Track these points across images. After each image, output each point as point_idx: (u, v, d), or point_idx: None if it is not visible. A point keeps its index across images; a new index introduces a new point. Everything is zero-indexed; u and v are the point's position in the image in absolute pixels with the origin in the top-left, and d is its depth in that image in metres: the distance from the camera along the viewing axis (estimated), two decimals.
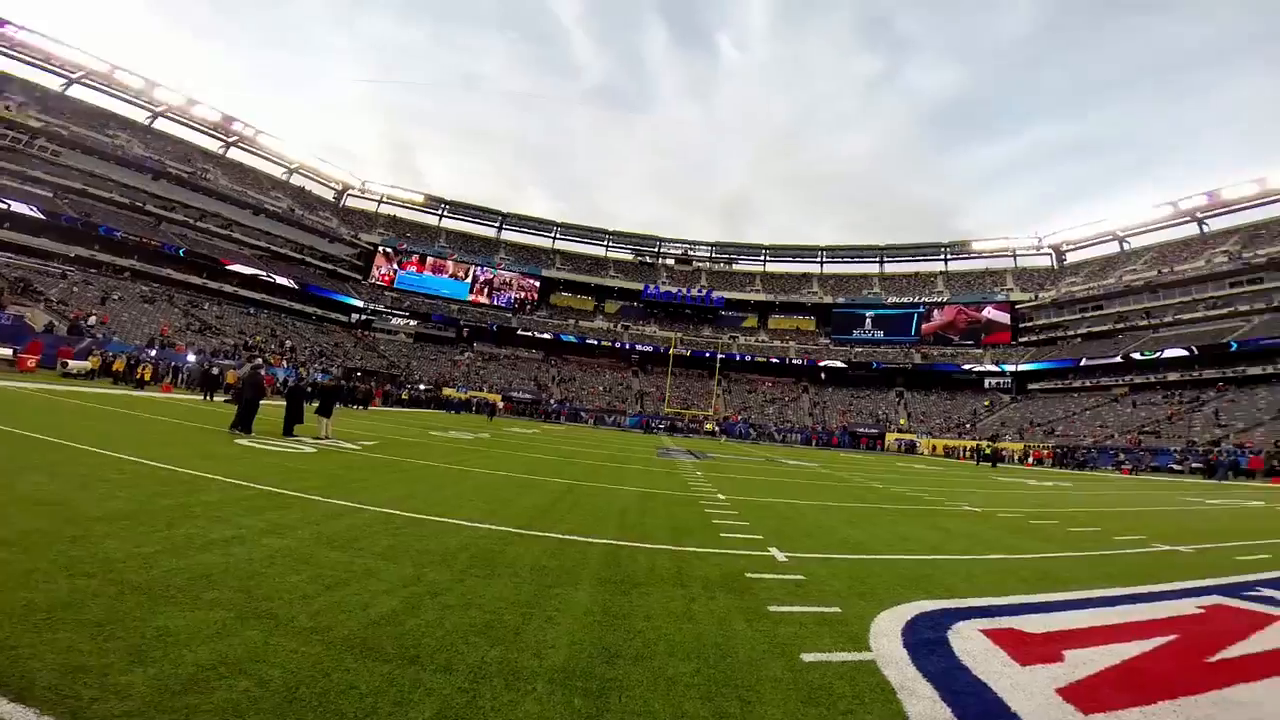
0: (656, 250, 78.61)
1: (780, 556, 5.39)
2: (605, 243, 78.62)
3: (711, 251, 78.67)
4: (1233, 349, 45.17)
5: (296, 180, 67.90)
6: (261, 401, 12.69)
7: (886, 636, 3.42)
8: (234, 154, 62.30)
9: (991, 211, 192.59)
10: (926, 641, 3.35)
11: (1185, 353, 48.01)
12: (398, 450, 12.24)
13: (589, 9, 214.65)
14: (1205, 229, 55.71)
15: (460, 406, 44.57)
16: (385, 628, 3.05)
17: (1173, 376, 48.30)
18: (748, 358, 67.68)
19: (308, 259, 62.50)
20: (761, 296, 73.76)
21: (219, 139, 61.25)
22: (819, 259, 76.53)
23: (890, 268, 74.43)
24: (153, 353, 31.15)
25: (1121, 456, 35.18)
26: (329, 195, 71.63)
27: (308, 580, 3.67)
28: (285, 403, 13.00)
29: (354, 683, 2.44)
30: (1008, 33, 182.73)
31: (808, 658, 3.07)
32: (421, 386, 52.18)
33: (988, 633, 3.54)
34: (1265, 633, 3.59)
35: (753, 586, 4.36)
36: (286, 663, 2.55)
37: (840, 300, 71.58)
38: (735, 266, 78.39)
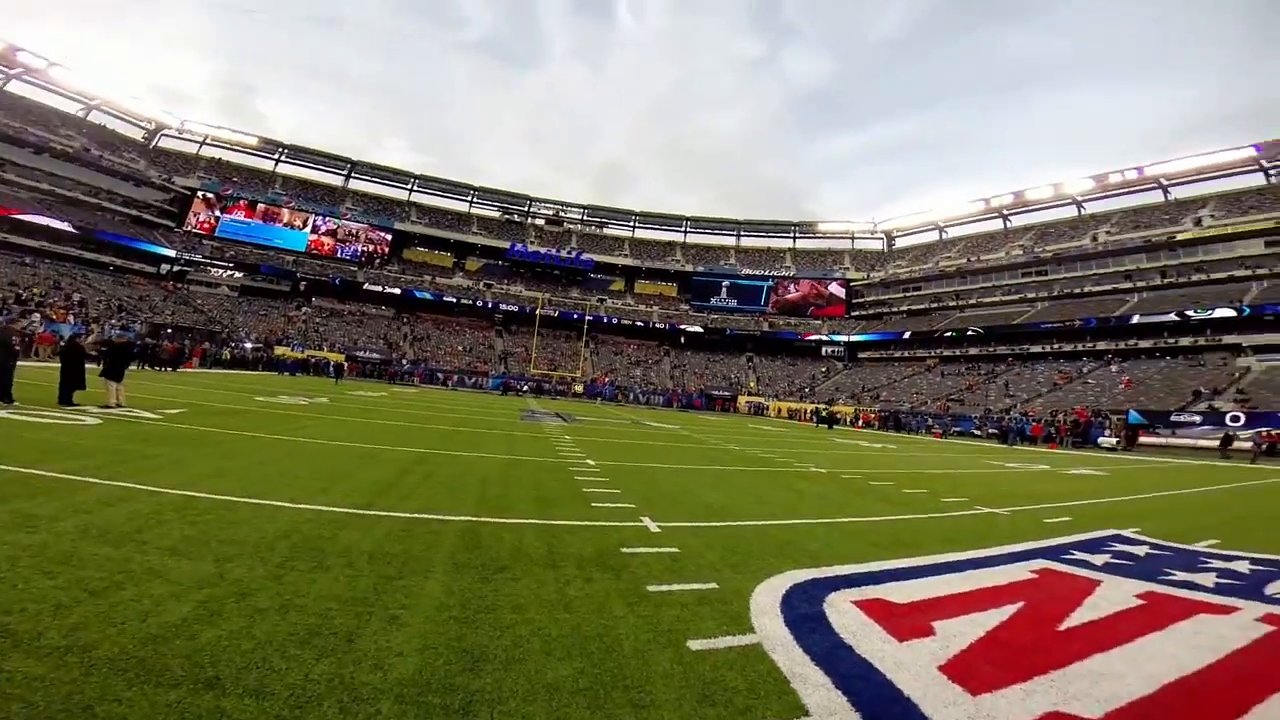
0: (526, 209, 75.68)
1: (653, 527, 5.17)
2: (470, 198, 74.17)
3: (584, 214, 77.41)
4: (1019, 330, 53.58)
5: (96, 118, 56.61)
6: (21, 363, 10.16)
7: (767, 615, 3.28)
8: (17, 88, 51.07)
9: (835, 197, 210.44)
10: (805, 618, 3.26)
11: (983, 332, 56.04)
12: (210, 419, 10.43)
13: None
14: (1009, 224, 64.82)
15: (295, 367, 40.07)
16: (172, 642, 2.38)
17: (973, 351, 56.26)
18: (614, 320, 68.12)
19: (105, 204, 52.48)
20: (629, 261, 74.22)
21: None
22: (683, 229, 78.48)
23: (746, 241, 78.39)
24: None
25: (931, 422, 40.36)
26: (138, 135, 60.42)
27: (65, 585, 2.86)
28: (60, 365, 10.49)
29: (126, 717, 1.84)
30: (880, 31, 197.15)
31: (695, 645, 2.82)
32: (249, 345, 46.09)
33: (860, 604, 3.55)
34: (1094, 598, 3.97)
35: (629, 563, 4.07)
36: (29, 695, 1.90)
37: (700, 269, 74.20)
38: (606, 231, 77.91)
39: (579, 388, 52.82)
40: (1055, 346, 50.55)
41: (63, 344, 10.73)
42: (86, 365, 10.76)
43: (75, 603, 2.68)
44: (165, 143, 62.96)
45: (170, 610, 2.70)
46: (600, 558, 4.13)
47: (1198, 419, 31.04)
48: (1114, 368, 44.11)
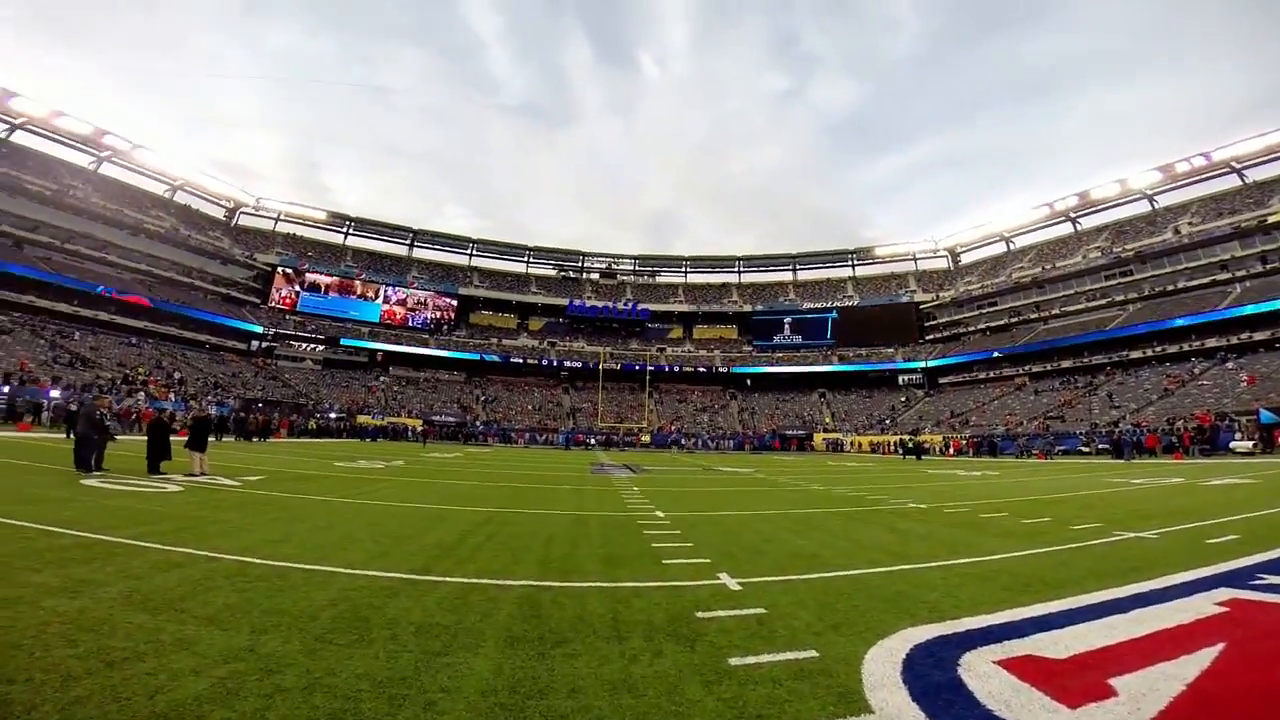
0: (580, 265, 77.73)
1: (732, 584, 4.54)
2: (525, 259, 76.93)
3: (635, 265, 78.69)
4: (1115, 336, 49.43)
5: (181, 198, 62.13)
6: (125, 437, 10.80)
7: (887, 687, 2.62)
8: (108, 170, 56.20)
9: (893, 219, 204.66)
10: (937, 687, 2.59)
11: (1074, 341, 52.05)
12: (286, 485, 10.60)
13: (508, 25, 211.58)
14: (1079, 227, 61.02)
15: (376, 434, 41.64)
16: None
17: (1065, 364, 52.20)
18: (676, 368, 67.82)
19: (197, 282, 57.26)
20: (685, 307, 74.33)
21: (90, 153, 55.20)
22: (737, 269, 78.19)
23: (803, 274, 77.13)
24: (5, 390, 27.01)
25: (1031, 444, 37.21)
26: (219, 214, 65.87)
27: (83, 655, 2.70)
28: (146, 438, 11.09)
29: None
30: (901, 50, 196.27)
31: None
32: (332, 415, 48.52)
33: (1006, 664, 2.83)
34: None
35: (706, 630, 3.47)
36: None
37: (759, 308, 73.24)
38: (658, 279, 78.73)
39: (646, 438, 52.31)
40: (1158, 349, 46.30)
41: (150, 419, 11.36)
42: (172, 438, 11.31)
43: (87, 674, 2.50)
44: (244, 220, 68.23)
45: (185, 686, 2.44)
46: (672, 625, 3.56)
47: None
48: (1230, 365, 39.71)
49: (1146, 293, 50.71)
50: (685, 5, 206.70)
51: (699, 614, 3.79)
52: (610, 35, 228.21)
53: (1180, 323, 45.23)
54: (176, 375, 44.96)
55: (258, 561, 4.80)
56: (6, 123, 49.68)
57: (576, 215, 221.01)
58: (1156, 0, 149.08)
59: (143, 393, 36.55)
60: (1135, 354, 47.77)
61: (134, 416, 27.86)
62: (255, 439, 28.33)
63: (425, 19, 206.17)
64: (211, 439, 26.41)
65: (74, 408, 22.57)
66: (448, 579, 4.50)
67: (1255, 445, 25.79)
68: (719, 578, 4.73)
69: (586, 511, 8.76)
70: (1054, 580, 4.71)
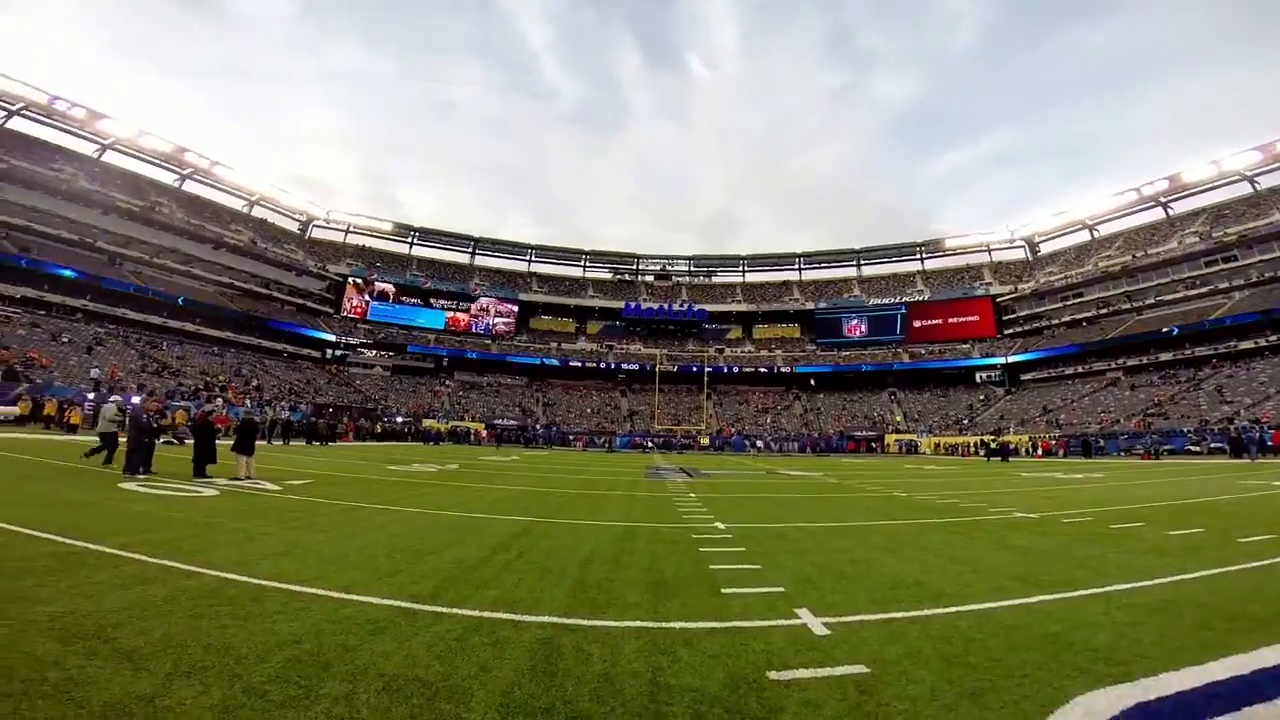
0: (635, 268, 77.12)
1: (816, 625, 3.44)
2: (582, 263, 77.02)
3: (690, 265, 77.35)
4: (1222, 325, 44.46)
5: (258, 212, 65.31)
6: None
7: None
8: (190, 187, 59.56)
9: (962, 213, 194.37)
10: None
11: (1174, 332, 47.19)
12: (328, 490, 10.13)
13: (559, 34, 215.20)
14: (1170, 212, 55.60)
15: (438, 437, 42.19)
16: None
17: (1164, 357, 47.53)
18: (735, 369, 66.03)
19: (274, 294, 60.06)
20: (743, 307, 72.38)
21: (173, 171, 58.66)
22: (797, 266, 75.53)
23: (868, 270, 73.67)
24: (91, 396, 28.62)
25: (1124, 440, 33.68)
26: (293, 227, 68.91)
27: None
28: (193, 441, 10.94)
29: None
30: (960, 43, 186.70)
31: None
32: (399, 419, 49.68)
33: None
34: None
35: (784, 703, 2.42)
36: None
37: (822, 305, 70.39)
38: (715, 279, 77.06)
39: (704, 440, 50.91)
40: (1273, 339, 41.22)
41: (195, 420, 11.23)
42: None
43: None
44: (316, 233, 70.87)
45: None
46: (735, 694, 2.51)
47: None
48: None
49: (1254, 279, 45.48)
50: (732, 7, 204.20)
51: (772, 674, 2.73)
52: (657, 39, 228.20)
53: None
54: (254, 382, 47.14)
55: (241, 579, 4.07)
56: (98, 143, 53.28)
57: (632, 218, 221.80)
58: None
59: (220, 399, 38.30)
60: (1246, 344, 42.82)
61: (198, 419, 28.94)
62: (321, 442, 28.92)
63: (481, 33, 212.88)
64: (279, 443, 27.45)
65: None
66: (454, 610, 3.60)
67: None
68: (797, 615, 3.63)
69: (636, 522, 7.74)
70: (1262, 614, 3.39)
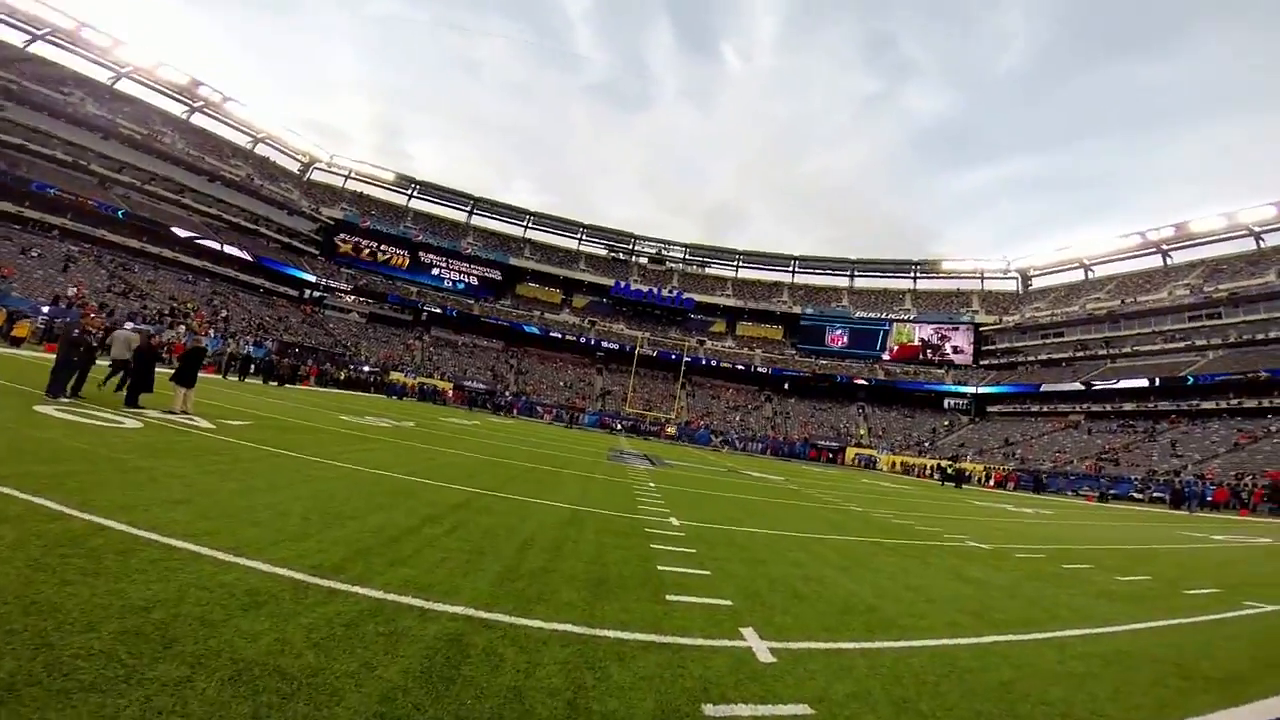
0: (630, 247, 76.24)
1: (762, 650, 3.13)
2: (579, 236, 75.84)
3: (685, 253, 76.71)
4: (1189, 383, 45.39)
5: (261, 150, 63.46)
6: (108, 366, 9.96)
7: None
8: (197, 120, 57.85)
9: (964, 236, 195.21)
10: None
11: (1143, 384, 48.06)
12: (266, 434, 9.58)
13: (597, 4, 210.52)
14: (1169, 261, 56.02)
15: (401, 392, 41.32)
16: None
17: (1128, 406, 48.34)
18: (713, 362, 65.92)
19: (262, 230, 58.33)
20: (732, 302, 72.17)
21: (184, 103, 56.87)
22: (791, 268, 75.38)
23: (860, 282, 73.75)
24: (46, 309, 27.27)
25: (1082, 485, 34.43)
26: (294, 168, 67.03)
27: None
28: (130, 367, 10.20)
29: None
30: (1006, 65, 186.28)
31: None
32: (365, 368, 48.57)
33: None
34: None
35: None
36: None
37: (809, 311, 70.44)
38: (708, 270, 76.63)
39: (672, 429, 50.84)
40: (1234, 402, 42.12)
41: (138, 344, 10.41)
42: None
43: None
44: (316, 175, 69.03)
45: None
46: None
47: None
48: None
49: (1233, 339, 46.35)
50: (778, 0, 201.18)
51: (708, 709, 2.40)
52: (696, 23, 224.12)
53: (1264, 376, 40.93)
54: (223, 313, 45.66)
55: (116, 527, 3.59)
56: (114, 71, 51.62)
57: (637, 198, 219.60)
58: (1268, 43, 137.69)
59: (183, 326, 36.95)
60: (1208, 404, 43.78)
61: (166, 348, 27.85)
62: (279, 383, 28.00)
63: None
64: (234, 378, 26.48)
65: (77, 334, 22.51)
66: (354, 588, 3.20)
67: None
68: (743, 636, 3.32)
69: (588, 508, 7.38)
70: (1218, 672, 3.24)
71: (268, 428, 10.58)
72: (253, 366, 30.74)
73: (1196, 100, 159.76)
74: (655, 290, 70.43)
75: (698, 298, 70.80)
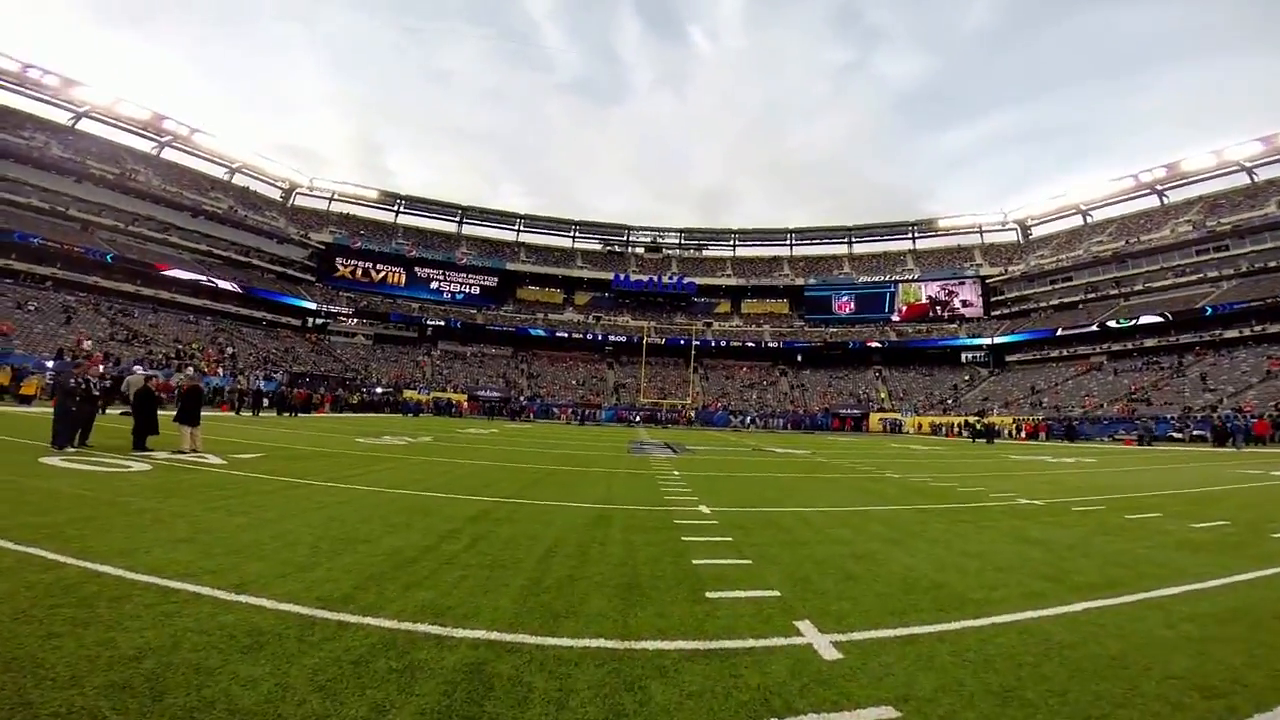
0: (625, 239, 75.67)
1: (824, 646, 2.75)
2: (572, 234, 75.44)
3: (680, 238, 76.07)
4: (1207, 314, 44.46)
5: (240, 180, 63.03)
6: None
7: None
8: (168, 154, 57.38)
9: (958, 194, 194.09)
10: None
11: (1160, 319, 47.19)
12: (278, 465, 9.31)
13: (560, 3, 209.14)
14: (1165, 200, 55.36)
15: (418, 409, 41.26)
16: None
17: (1149, 343, 47.56)
18: (723, 343, 65.42)
19: (254, 261, 58.20)
20: (733, 281, 71.58)
21: (151, 139, 56.48)
22: (788, 242, 74.58)
23: (859, 248, 72.85)
24: (51, 364, 27.30)
25: (1119, 429, 33.67)
26: (275, 195, 66.62)
27: None
28: (131, 412, 9.99)
29: None
30: (972, 23, 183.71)
31: None
32: (378, 390, 48.57)
33: None
34: None
35: None
36: None
37: (812, 282, 69.79)
38: (705, 253, 76.00)
39: (691, 414, 50.49)
40: (1257, 329, 41.32)
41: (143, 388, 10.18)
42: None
43: None
44: (299, 200, 68.60)
45: None
46: None
47: None
48: None
49: (1244, 269, 45.48)
50: None
51: None
52: (660, 10, 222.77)
53: None
54: (229, 350, 45.73)
55: (112, 573, 3.29)
56: (72, 111, 51.00)
57: (627, 191, 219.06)
58: None
59: (191, 367, 37.00)
60: (1230, 333, 42.97)
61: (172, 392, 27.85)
62: (292, 413, 27.94)
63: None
64: (248, 414, 26.40)
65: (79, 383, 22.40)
66: (366, 620, 2.86)
67: None
68: (799, 630, 2.93)
69: (613, 505, 7.00)
70: None
71: (280, 458, 10.32)
72: (265, 400, 30.68)
73: (1173, 42, 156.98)
74: (655, 279, 69.93)
75: (699, 281, 70.26)
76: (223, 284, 52.02)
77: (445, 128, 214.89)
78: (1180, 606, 3.34)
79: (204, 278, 51.09)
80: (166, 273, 48.59)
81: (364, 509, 5.95)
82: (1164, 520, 6.42)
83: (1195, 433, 29.15)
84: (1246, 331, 42.01)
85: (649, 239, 75.76)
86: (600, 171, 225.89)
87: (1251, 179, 49.57)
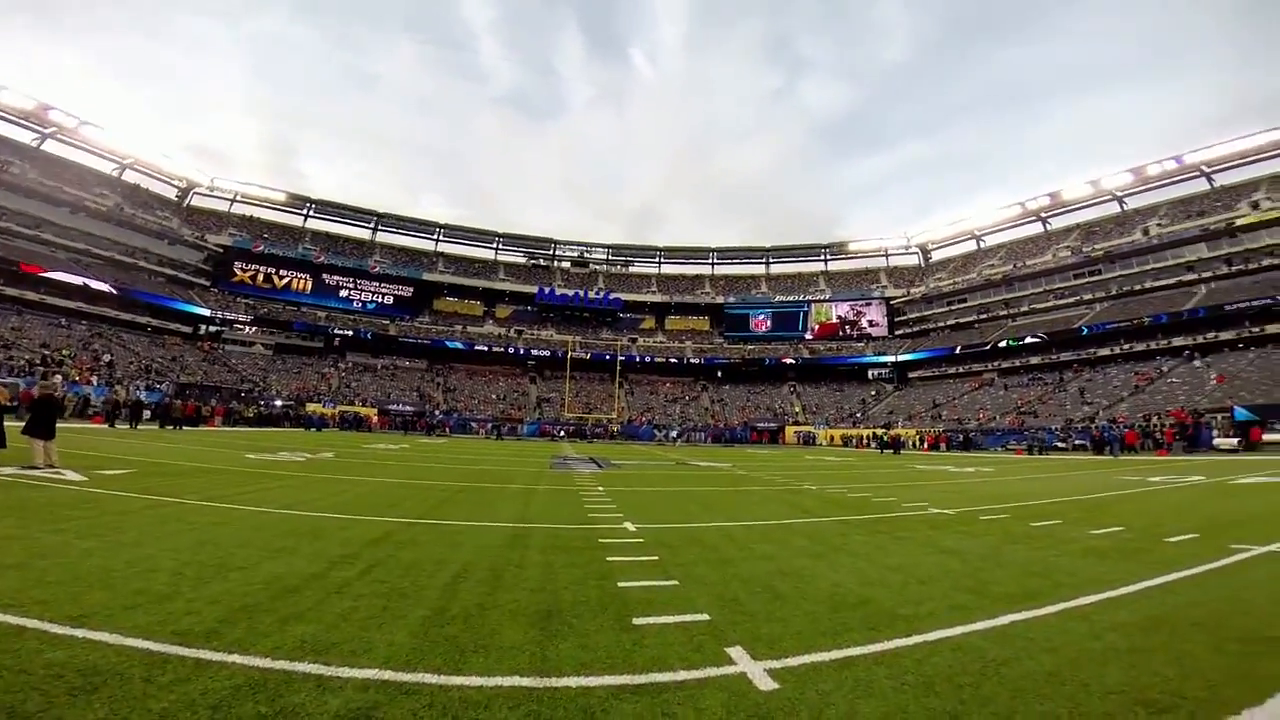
0: (551, 253, 74.88)
1: (758, 674, 2.53)
2: (495, 245, 73.80)
3: (608, 254, 76.20)
4: (1083, 333, 49.26)
5: (130, 177, 57.42)
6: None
7: None
8: (51, 147, 51.78)
9: (866, 219, 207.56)
10: None
11: (1043, 339, 51.81)
12: (149, 482, 8.20)
13: (503, 16, 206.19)
14: (1049, 227, 61.06)
15: (320, 423, 38.61)
16: None
17: (1034, 360, 52.01)
18: (647, 359, 65.86)
19: (141, 263, 53.00)
20: (658, 298, 72.41)
21: (34, 130, 50.75)
22: (710, 260, 76.53)
23: (776, 268, 75.85)
24: None
25: (1009, 439, 36.44)
26: (171, 194, 61.11)
27: None
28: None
29: None
30: (892, 54, 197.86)
31: None
32: (278, 403, 45.13)
33: None
34: None
35: None
36: None
37: (732, 300, 71.87)
38: (632, 269, 76.51)
39: (615, 428, 50.28)
40: (1125, 347, 46.39)
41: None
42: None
43: None
44: (197, 201, 63.52)
45: None
46: None
47: None
48: (1198, 363, 39.72)
49: (1115, 292, 50.82)
50: (681, 4, 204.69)
51: None
52: (603, 31, 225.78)
53: (1147, 321, 45.14)
54: (106, 358, 41.17)
55: None
56: None
57: (557, 207, 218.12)
58: (1141, 16, 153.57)
59: (59, 375, 32.93)
60: (1104, 351, 47.81)
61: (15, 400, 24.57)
62: (176, 426, 25.32)
63: (419, 7, 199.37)
64: (125, 426, 23.67)
65: None
66: (231, 657, 2.38)
67: (1239, 442, 25.23)
68: (732, 659, 2.71)
69: (532, 524, 6.59)
70: (1270, 630, 2.99)
71: (152, 474, 9.13)
72: (147, 412, 27.72)
73: (1058, 79, 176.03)
74: (581, 293, 69.60)
75: (625, 297, 70.55)
76: (95, 284, 46.87)
77: (367, 133, 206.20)
78: (1101, 616, 3.39)
79: (78, 279, 45.95)
80: (38, 273, 43.40)
81: (243, 531, 5.25)
82: (1064, 527, 6.77)
83: (1077, 442, 31.89)
84: (1117, 350, 46.83)
85: (575, 254, 75.40)
86: (530, 186, 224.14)
87: (1122, 207, 55.40)
